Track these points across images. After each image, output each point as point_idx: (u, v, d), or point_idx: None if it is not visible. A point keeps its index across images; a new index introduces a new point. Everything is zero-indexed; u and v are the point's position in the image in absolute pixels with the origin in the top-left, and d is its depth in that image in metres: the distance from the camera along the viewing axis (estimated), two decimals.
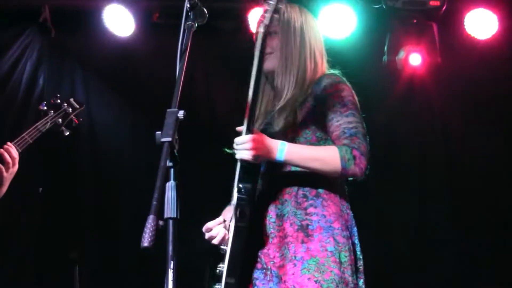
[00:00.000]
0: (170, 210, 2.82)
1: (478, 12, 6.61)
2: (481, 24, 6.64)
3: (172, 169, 2.87)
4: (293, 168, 3.79)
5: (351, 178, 3.74)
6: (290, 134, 3.78)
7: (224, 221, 3.90)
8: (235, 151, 3.60)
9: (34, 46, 7.10)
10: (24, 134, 4.79)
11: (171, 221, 2.80)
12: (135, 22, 6.69)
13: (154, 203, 2.71)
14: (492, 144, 6.95)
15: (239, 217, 3.59)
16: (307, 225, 3.71)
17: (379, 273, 5.42)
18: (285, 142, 3.65)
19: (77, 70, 7.24)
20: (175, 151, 2.88)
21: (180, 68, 3.15)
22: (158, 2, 6.86)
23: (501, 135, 6.96)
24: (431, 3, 6.49)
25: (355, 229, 3.85)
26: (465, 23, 6.67)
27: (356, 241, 3.83)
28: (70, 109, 5.08)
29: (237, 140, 3.59)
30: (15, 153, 4.66)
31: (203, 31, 3.41)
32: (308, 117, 3.82)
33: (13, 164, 4.64)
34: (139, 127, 6.97)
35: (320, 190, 3.79)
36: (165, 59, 6.69)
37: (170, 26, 6.65)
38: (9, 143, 4.69)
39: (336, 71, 3.98)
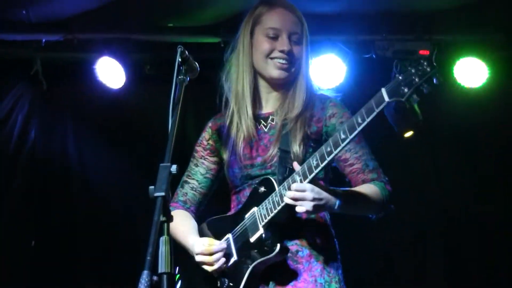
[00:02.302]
0: (164, 265, 2.80)
1: (467, 60, 6.65)
2: (470, 73, 6.68)
3: (165, 224, 2.85)
4: None
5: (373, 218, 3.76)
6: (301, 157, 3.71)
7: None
8: (291, 200, 3.44)
9: (25, 99, 7.14)
10: None
11: (165, 276, 2.78)
12: (126, 74, 6.72)
13: (148, 258, 2.70)
14: (483, 189, 6.98)
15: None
16: (297, 251, 3.68)
17: None
18: (339, 191, 3.56)
19: (69, 122, 7.27)
20: (168, 205, 2.87)
21: (172, 123, 3.16)
22: (149, 55, 6.90)
23: (493, 181, 6.98)
24: (421, 52, 6.54)
25: (339, 256, 3.81)
26: (454, 72, 6.71)
27: (341, 271, 3.77)
28: None
29: (296, 186, 3.44)
30: None
31: (195, 81, 3.43)
32: (316, 141, 3.78)
33: None
34: (131, 178, 6.96)
35: (312, 218, 3.76)
36: (156, 110, 6.79)
37: (161, 78, 6.71)
38: None
39: (332, 94, 3.99)
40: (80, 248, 7.10)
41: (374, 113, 3.23)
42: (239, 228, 3.74)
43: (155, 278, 2.70)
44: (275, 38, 3.89)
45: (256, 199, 3.71)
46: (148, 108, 7.05)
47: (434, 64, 3.15)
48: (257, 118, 3.93)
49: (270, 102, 3.97)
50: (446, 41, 6.70)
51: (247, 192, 3.85)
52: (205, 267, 3.70)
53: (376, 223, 3.85)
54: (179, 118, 3.19)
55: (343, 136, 3.35)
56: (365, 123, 3.27)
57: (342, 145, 3.36)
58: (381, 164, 3.87)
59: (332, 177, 3.89)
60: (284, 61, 3.85)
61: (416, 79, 3.14)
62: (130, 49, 6.69)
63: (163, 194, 2.85)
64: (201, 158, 4.08)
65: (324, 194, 3.45)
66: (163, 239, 2.83)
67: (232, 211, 3.93)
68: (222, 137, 4.03)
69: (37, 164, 7.08)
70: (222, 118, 4.08)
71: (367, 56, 6.70)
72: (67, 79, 7.08)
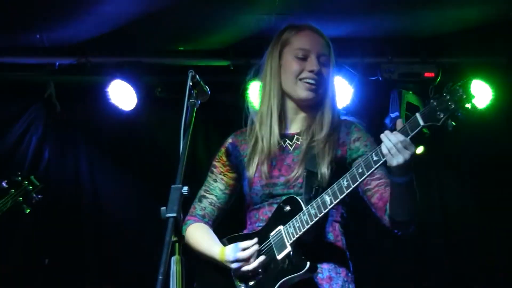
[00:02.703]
0: (175, 284, 2.81)
1: (472, 83, 6.65)
2: (475, 95, 6.67)
3: (177, 244, 2.86)
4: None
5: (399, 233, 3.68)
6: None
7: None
8: (391, 150, 3.31)
9: (39, 121, 7.18)
10: None
11: None
12: (137, 96, 6.75)
13: (160, 277, 2.72)
14: (487, 210, 6.99)
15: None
16: (317, 273, 3.64)
17: None
18: None
19: (81, 143, 7.31)
20: (180, 225, 2.88)
21: (183, 145, 3.17)
22: (160, 77, 6.94)
23: (495, 201, 6.98)
24: (426, 74, 6.56)
25: (353, 277, 3.79)
26: None
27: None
28: (31, 186, 5.09)
29: (394, 138, 3.31)
30: None
31: (205, 103, 3.43)
32: (340, 164, 3.74)
33: None
34: (142, 198, 6.98)
35: (331, 239, 3.75)
36: (167, 131, 6.85)
37: (171, 100, 6.74)
38: None
39: (354, 120, 3.93)
40: (90, 268, 7.10)
41: (408, 137, 3.28)
42: (264, 246, 3.70)
43: None
44: (304, 59, 3.85)
45: (281, 218, 3.68)
46: (158, 130, 7.13)
47: (471, 92, 3.22)
48: (282, 137, 3.89)
49: (296, 123, 3.92)
50: (450, 63, 6.72)
51: (266, 210, 3.81)
52: (244, 268, 3.65)
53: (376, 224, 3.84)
54: (190, 140, 3.20)
55: (375, 158, 3.37)
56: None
57: (375, 167, 3.37)
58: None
59: (348, 201, 3.85)
60: (313, 81, 3.81)
61: (453, 105, 3.21)
62: (141, 72, 6.72)
63: (174, 214, 2.87)
64: (220, 174, 4.02)
65: (411, 149, 3.32)
66: (174, 259, 2.85)
67: (250, 228, 3.89)
68: (243, 154, 3.97)
69: (50, 185, 7.08)
70: (243, 135, 4.03)
71: (373, 78, 6.71)
72: (80, 101, 7.12)
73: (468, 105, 3.22)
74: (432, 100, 3.26)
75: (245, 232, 3.90)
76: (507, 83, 6.74)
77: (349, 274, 3.75)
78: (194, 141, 3.24)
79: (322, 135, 3.78)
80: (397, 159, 3.29)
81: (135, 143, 7.24)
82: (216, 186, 4.01)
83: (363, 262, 3.97)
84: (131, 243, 7.00)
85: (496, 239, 6.95)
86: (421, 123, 3.25)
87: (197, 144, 6.97)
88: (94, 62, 6.71)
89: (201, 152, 7.12)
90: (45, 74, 6.84)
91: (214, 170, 4.04)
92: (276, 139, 3.84)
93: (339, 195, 3.45)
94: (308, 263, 3.52)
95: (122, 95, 6.76)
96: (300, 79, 3.83)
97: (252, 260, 3.63)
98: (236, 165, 3.98)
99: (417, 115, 3.28)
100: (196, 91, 3.38)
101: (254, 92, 6.47)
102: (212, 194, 4.01)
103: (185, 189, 2.96)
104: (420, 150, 6.82)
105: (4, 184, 5.01)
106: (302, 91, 3.83)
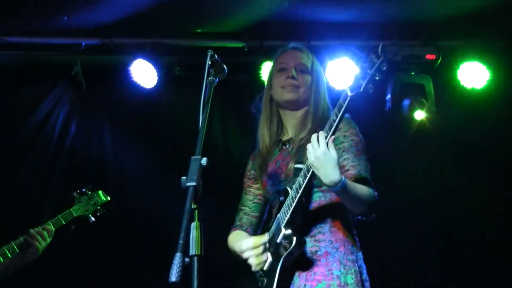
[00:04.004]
0: (194, 248, 2.85)
1: (470, 64, 6.66)
2: (473, 76, 6.68)
3: (196, 211, 2.90)
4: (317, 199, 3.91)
5: (363, 219, 3.82)
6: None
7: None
8: (309, 152, 3.55)
9: (66, 98, 7.20)
10: (59, 216, 5.04)
11: (195, 258, 2.83)
12: (158, 75, 6.76)
13: (181, 241, 2.76)
14: (486, 189, 7.00)
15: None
16: (316, 251, 3.81)
17: None
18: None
19: (105, 119, 7.32)
20: (199, 194, 2.92)
21: (203, 119, 3.21)
22: (179, 57, 6.94)
23: (495, 179, 6.98)
24: (427, 56, 6.54)
25: (360, 253, 3.93)
26: (458, 75, 6.72)
27: (362, 264, 3.90)
28: (99, 199, 5.26)
29: (318, 139, 3.53)
30: (52, 233, 4.96)
31: (220, 83, 3.46)
32: None
33: (49, 239, 4.95)
34: (163, 170, 6.99)
35: (328, 219, 3.89)
36: (185, 107, 6.88)
37: (189, 78, 6.78)
38: (49, 224, 4.96)
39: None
40: (112, 240, 7.14)
41: (343, 108, 3.45)
42: (269, 235, 3.89)
43: (186, 260, 2.75)
44: (284, 70, 4.13)
45: (278, 208, 3.90)
46: (177, 106, 7.16)
47: (380, 54, 3.38)
48: (283, 142, 4.15)
49: (292, 128, 4.16)
50: (451, 46, 6.70)
51: (277, 205, 4.01)
52: (250, 260, 3.88)
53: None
54: (208, 115, 3.24)
55: (325, 135, 3.51)
56: (338, 118, 3.47)
57: (325, 141, 3.50)
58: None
59: None
60: (290, 86, 4.06)
61: (368, 71, 3.38)
62: (162, 52, 6.72)
63: (194, 184, 2.90)
64: (248, 187, 4.32)
65: (331, 163, 3.49)
66: (194, 224, 2.88)
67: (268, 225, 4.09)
68: (257, 164, 4.23)
69: (76, 158, 7.13)
70: (257, 152, 4.29)
71: None
72: (104, 79, 7.13)
73: (381, 67, 3.38)
74: (356, 72, 3.45)
75: None
76: (504, 65, 6.76)
77: (349, 247, 3.86)
78: (210, 117, 3.27)
79: (307, 130, 4.01)
80: (319, 172, 3.52)
81: (156, 118, 7.26)
82: (247, 198, 4.31)
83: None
84: (152, 211, 7.02)
85: (494, 214, 6.93)
86: (349, 93, 3.43)
87: (212, 120, 6.99)
88: (117, 43, 6.71)
89: (216, 127, 7.16)
90: (72, 54, 6.83)
91: (244, 185, 4.36)
92: (271, 147, 4.15)
93: (307, 174, 3.62)
94: (295, 238, 3.71)
95: (143, 73, 6.77)
96: (282, 87, 4.09)
97: (259, 250, 3.85)
98: (257, 176, 4.25)
99: (346, 88, 3.46)
100: (214, 70, 3.43)
101: (266, 73, 6.57)
102: (245, 206, 4.31)
103: (204, 160, 3.00)
104: (420, 116, 6.78)
105: (76, 194, 5.20)
106: (284, 95, 4.09)
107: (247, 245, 3.89)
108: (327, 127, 3.52)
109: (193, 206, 2.88)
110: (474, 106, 6.80)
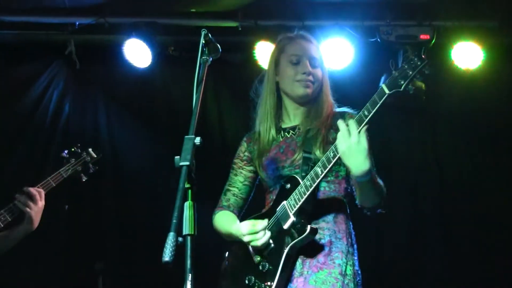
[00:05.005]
0: (188, 227, 2.84)
1: (464, 45, 6.65)
2: (467, 56, 6.67)
3: (190, 190, 2.89)
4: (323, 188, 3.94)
5: (368, 213, 3.86)
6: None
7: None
8: (340, 142, 3.52)
9: (60, 77, 7.18)
10: (48, 178, 5.01)
11: (189, 238, 2.82)
12: (152, 54, 6.73)
13: (174, 221, 2.75)
14: (479, 166, 7.00)
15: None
16: (320, 239, 3.84)
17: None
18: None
19: (99, 98, 7.30)
20: (193, 174, 2.90)
21: (196, 99, 3.19)
22: (173, 37, 6.90)
23: (486, 157, 6.98)
24: (422, 36, 6.53)
25: (355, 246, 3.98)
26: (452, 55, 6.71)
27: (356, 258, 3.94)
28: (89, 158, 5.21)
29: (344, 134, 3.51)
30: (43, 195, 4.88)
31: (214, 63, 3.44)
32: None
33: (41, 202, 4.84)
34: (157, 150, 6.98)
35: (332, 209, 3.93)
36: (178, 86, 6.86)
37: (183, 58, 6.76)
38: (38, 187, 4.88)
39: (348, 109, 4.11)
40: (107, 217, 7.13)
41: (378, 105, 3.49)
42: (273, 220, 3.90)
43: (180, 239, 2.74)
44: (297, 63, 4.11)
45: (284, 195, 3.91)
46: (171, 85, 7.17)
47: (424, 57, 3.45)
48: (286, 129, 4.15)
49: (297, 116, 4.17)
50: (445, 27, 6.67)
51: (278, 191, 4.02)
52: (253, 243, 3.85)
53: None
54: (202, 94, 3.22)
55: (356, 124, 3.52)
56: (371, 114, 3.51)
57: (357, 130, 3.50)
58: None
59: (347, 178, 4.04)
60: (307, 82, 4.06)
61: (410, 72, 3.44)
62: (155, 32, 6.70)
63: (187, 163, 2.89)
64: (239, 169, 4.29)
65: (363, 152, 3.48)
66: (187, 204, 2.87)
67: (266, 209, 4.08)
68: (255, 148, 4.21)
69: (71, 136, 7.10)
70: (254, 134, 4.27)
71: (372, 40, 6.68)
72: (98, 59, 7.10)
73: (424, 70, 3.46)
74: (394, 71, 3.50)
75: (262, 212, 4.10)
76: (498, 45, 6.77)
77: (350, 240, 3.92)
78: (205, 96, 3.25)
79: (317, 122, 4.03)
80: (349, 161, 3.52)
81: (150, 98, 7.24)
82: (237, 180, 4.28)
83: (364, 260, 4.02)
84: (146, 190, 7.02)
85: (492, 196, 6.92)
86: (387, 91, 3.48)
87: (207, 99, 6.97)
88: (112, 22, 6.68)
89: (210, 106, 7.13)
90: (66, 33, 6.82)
91: (234, 166, 4.32)
92: (274, 132, 4.15)
93: (327, 165, 3.65)
94: (309, 226, 3.73)
95: (137, 53, 6.75)
96: (297, 81, 4.08)
97: (261, 234, 3.81)
98: (251, 159, 4.23)
99: (383, 85, 3.50)
100: (208, 49, 3.40)
101: (260, 52, 6.55)
102: (234, 186, 4.28)
103: (197, 139, 2.99)
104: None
105: (65, 153, 5.13)
106: (299, 90, 4.09)
107: (248, 229, 3.84)
108: (356, 120, 3.52)
109: (187, 185, 2.87)
110: (468, 87, 6.79)
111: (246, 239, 3.85)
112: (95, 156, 5.28)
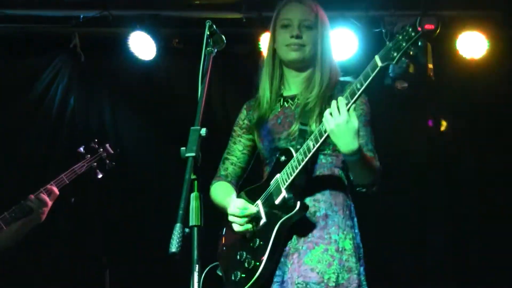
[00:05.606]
0: (194, 218, 2.84)
1: (469, 34, 6.63)
2: (472, 46, 6.66)
3: (196, 181, 2.89)
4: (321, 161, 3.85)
5: (363, 190, 3.77)
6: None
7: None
8: (327, 119, 3.46)
9: (65, 70, 7.19)
10: (62, 175, 4.96)
11: (195, 229, 2.83)
12: (156, 47, 6.73)
13: (180, 212, 2.75)
14: (485, 156, 6.98)
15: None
16: (315, 211, 3.76)
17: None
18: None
19: (104, 91, 7.33)
20: (198, 165, 2.90)
21: (201, 90, 3.19)
22: (177, 30, 6.91)
23: (493, 147, 6.97)
24: (426, 26, 6.50)
25: (356, 219, 3.89)
26: (457, 44, 6.69)
27: (357, 231, 3.86)
28: (105, 153, 5.16)
29: (334, 112, 3.44)
30: (55, 195, 4.93)
31: (219, 54, 3.43)
32: None
33: (51, 202, 4.90)
34: (162, 143, 7.00)
35: (329, 181, 3.84)
36: (183, 78, 6.86)
37: (188, 51, 6.75)
38: (52, 184, 4.88)
39: (352, 80, 3.95)
40: (111, 211, 7.13)
41: (370, 78, 3.37)
42: (266, 194, 3.83)
43: (186, 230, 2.74)
44: (288, 26, 3.97)
45: (278, 168, 3.81)
46: (175, 78, 7.17)
47: (418, 28, 3.28)
48: (285, 98, 4.03)
49: (296, 85, 4.04)
50: (449, 16, 6.65)
51: (274, 163, 3.94)
52: (234, 226, 3.80)
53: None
54: (207, 86, 3.22)
55: (345, 101, 3.44)
56: (363, 87, 3.39)
57: (346, 108, 3.44)
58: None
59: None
60: (295, 45, 3.92)
61: (403, 44, 3.27)
62: (160, 24, 6.71)
63: (193, 154, 2.89)
64: (238, 137, 4.18)
65: (351, 131, 3.42)
66: (193, 195, 2.87)
67: (261, 181, 4.00)
68: (254, 116, 4.11)
69: (77, 128, 7.12)
70: (254, 101, 4.16)
71: (377, 30, 6.66)
72: (103, 52, 7.11)
73: (418, 42, 3.28)
74: (388, 43, 3.36)
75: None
76: (502, 35, 6.72)
77: (349, 213, 3.84)
78: (210, 88, 3.25)
79: (315, 93, 3.90)
80: (338, 140, 3.45)
81: (155, 90, 7.24)
82: (236, 148, 4.17)
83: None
84: (151, 182, 7.03)
85: (498, 188, 6.91)
86: (379, 64, 3.34)
87: (211, 90, 6.96)
88: (116, 15, 6.68)
89: (215, 98, 7.13)
90: (70, 26, 6.82)
91: (233, 134, 4.22)
92: (272, 101, 4.02)
93: (319, 139, 3.55)
94: (299, 202, 3.64)
95: (142, 45, 6.75)
96: (286, 45, 3.95)
97: (241, 220, 3.76)
98: (251, 127, 4.12)
99: (376, 57, 3.37)
100: (212, 40, 3.40)
101: (264, 44, 6.54)
102: (232, 155, 4.17)
103: (203, 130, 2.98)
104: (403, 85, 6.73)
105: (81, 149, 5.11)
106: (289, 55, 3.95)
107: (233, 210, 3.77)
108: (348, 94, 3.43)
109: (193, 176, 2.87)
110: (473, 76, 6.77)
111: (229, 218, 3.79)
112: (112, 152, 5.25)
